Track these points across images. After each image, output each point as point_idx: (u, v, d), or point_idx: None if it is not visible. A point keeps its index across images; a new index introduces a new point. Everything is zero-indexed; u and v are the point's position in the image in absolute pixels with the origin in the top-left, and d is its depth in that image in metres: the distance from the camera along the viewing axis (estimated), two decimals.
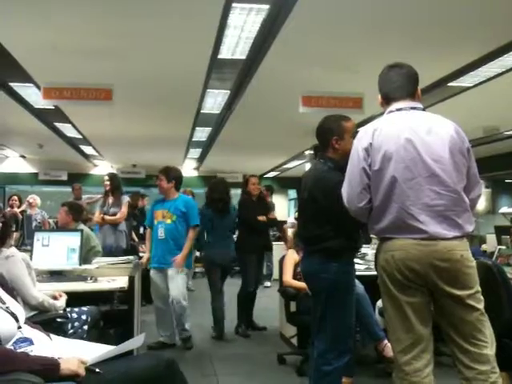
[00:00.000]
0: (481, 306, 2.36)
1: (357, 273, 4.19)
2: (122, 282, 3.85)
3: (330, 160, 2.99)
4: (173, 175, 4.97)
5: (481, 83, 5.50)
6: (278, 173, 16.06)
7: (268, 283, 8.88)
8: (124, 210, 6.18)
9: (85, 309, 3.26)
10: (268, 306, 6.39)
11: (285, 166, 14.46)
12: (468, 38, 4.39)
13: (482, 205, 14.53)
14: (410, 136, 2.36)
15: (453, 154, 2.36)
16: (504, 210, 11.78)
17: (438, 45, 4.55)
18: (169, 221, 4.89)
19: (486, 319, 2.37)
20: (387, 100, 2.55)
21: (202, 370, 4.36)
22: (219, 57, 5.14)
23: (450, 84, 5.56)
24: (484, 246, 6.58)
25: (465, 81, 5.43)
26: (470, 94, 5.93)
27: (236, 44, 4.82)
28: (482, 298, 2.38)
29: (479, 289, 2.38)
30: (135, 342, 2.37)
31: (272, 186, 8.13)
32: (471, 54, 4.78)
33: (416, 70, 2.57)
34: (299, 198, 3.17)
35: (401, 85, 2.51)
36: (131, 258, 4.76)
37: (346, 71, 5.18)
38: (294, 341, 4.73)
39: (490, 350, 2.34)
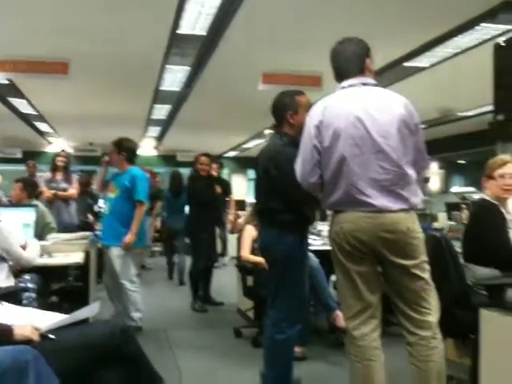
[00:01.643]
0: (426, 275, 2.46)
1: (313, 247, 4.38)
2: (77, 257, 3.83)
3: (286, 135, 3.04)
4: (124, 146, 4.64)
5: (436, 64, 5.62)
6: (237, 152, 16.08)
7: (223, 261, 8.73)
8: (76, 186, 6.13)
9: (27, 277, 3.26)
10: (226, 281, 6.49)
11: (244, 146, 14.49)
12: (424, 19, 4.48)
13: (435, 185, 14.97)
14: (360, 113, 2.42)
15: (400, 130, 2.42)
16: (455, 189, 12.23)
17: (394, 25, 4.64)
18: (112, 195, 4.61)
19: (431, 288, 2.48)
20: (339, 76, 2.61)
21: (157, 343, 4.39)
22: (179, 32, 5.08)
23: (405, 64, 5.66)
24: (436, 224, 6.81)
25: (420, 61, 5.54)
26: (426, 75, 6.06)
27: (196, 19, 4.78)
28: (427, 267, 2.48)
29: (425, 259, 2.48)
30: (89, 311, 2.39)
31: (221, 162, 8.09)
32: (427, 35, 4.88)
33: (366, 43, 2.61)
34: (255, 173, 3.21)
35: (351, 60, 2.55)
36: (87, 233, 4.71)
37: (306, 49, 5.22)
38: (251, 314, 4.82)
39: (433, 317, 2.45)
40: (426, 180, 15.02)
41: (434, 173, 15.11)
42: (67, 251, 4.00)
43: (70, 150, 12.82)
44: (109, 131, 11.62)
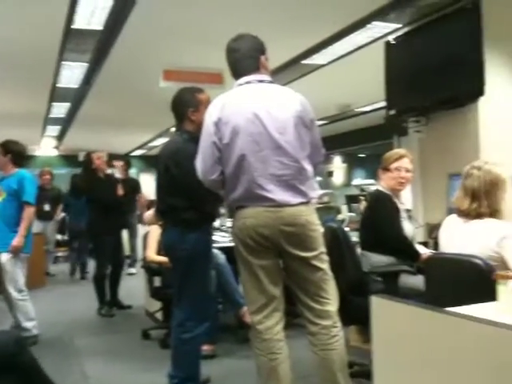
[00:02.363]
0: (324, 265, 2.54)
1: (220, 244, 4.39)
2: None
3: (186, 132, 3.03)
4: (10, 148, 4.46)
5: (333, 61, 5.79)
6: (144, 151, 15.76)
7: (133, 270, 8.18)
8: None
9: None
10: (134, 283, 6.37)
11: (151, 144, 14.22)
12: (319, 17, 4.59)
13: (339, 178, 15.54)
14: (257, 110, 2.45)
15: (297, 126, 2.48)
16: (356, 181, 12.75)
17: (292, 23, 4.72)
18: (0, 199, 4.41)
19: (330, 278, 2.57)
20: (235, 73, 2.62)
21: (62, 351, 4.24)
22: (74, 27, 4.88)
23: (303, 62, 5.79)
24: (339, 216, 7.03)
25: (317, 59, 5.68)
26: (323, 72, 6.23)
27: (92, 13, 4.61)
28: (326, 258, 2.56)
29: (323, 250, 2.56)
30: None
31: (129, 160, 7.88)
32: (323, 32, 5.01)
33: (261, 40, 2.64)
34: (156, 171, 3.17)
35: (246, 57, 2.57)
36: None
37: (207, 46, 5.19)
38: (159, 315, 4.75)
39: (332, 306, 2.54)
40: (330, 174, 15.58)
41: (338, 167, 15.68)
42: None
43: None
44: (2, 131, 11.00)
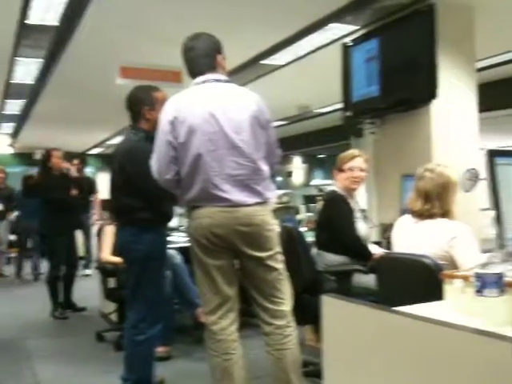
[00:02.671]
0: (280, 265, 2.55)
1: (177, 245, 4.35)
2: None
3: (142, 131, 2.98)
4: None
5: (291, 62, 5.82)
6: (102, 149, 15.50)
7: (88, 271, 7.98)
8: None
9: None
10: (89, 285, 6.25)
11: (109, 142, 13.98)
12: (277, 18, 4.61)
13: (299, 178, 15.67)
14: (213, 109, 2.44)
15: (253, 126, 2.48)
16: (315, 182, 12.91)
17: (251, 22, 4.72)
18: None
19: (285, 278, 2.57)
20: (192, 72, 2.60)
21: (14, 354, 4.14)
22: (28, 22, 4.75)
23: (262, 62, 5.80)
24: (298, 216, 7.09)
25: (277, 59, 5.70)
26: (283, 73, 6.25)
27: (47, 8, 4.50)
28: (281, 258, 2.57)
29: (279, 250, 2.57)
30: None
31: (84, 158, 7.71)
32: (282, 33, 5.02)
33: (217, 39, 2.63)
34: (111, 170, 3.11)
35: (202, 56, 2.56)
36: None
37: (165, 44, 5.14)
38: (114, 317, 4.68)
39: (287, 306, 2.55)
40: (290, 174, 15.69)
41: (298, 167, 15.80)
42: None
43: None
44: None
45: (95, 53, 5.77)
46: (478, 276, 1.40)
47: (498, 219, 1.50)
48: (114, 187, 3.05)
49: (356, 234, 3.27)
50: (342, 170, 3.44)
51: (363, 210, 3.63)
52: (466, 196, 2.74)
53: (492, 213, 1.45)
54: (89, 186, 6.95)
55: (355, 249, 3.23)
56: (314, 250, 3.40)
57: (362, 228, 3.35)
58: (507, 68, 6.56)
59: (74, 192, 5.57)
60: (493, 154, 1.56)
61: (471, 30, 4.25)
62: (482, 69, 5.87)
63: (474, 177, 2.67)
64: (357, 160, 3.43)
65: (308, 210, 6.16)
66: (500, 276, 1.39)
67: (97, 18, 4.64)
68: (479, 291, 1.40)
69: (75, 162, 6.62)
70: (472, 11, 4.25)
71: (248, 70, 5.99)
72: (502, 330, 1.32)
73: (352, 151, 3.56)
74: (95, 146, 15.06)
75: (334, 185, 3.53)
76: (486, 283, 1.39)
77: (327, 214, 3.38)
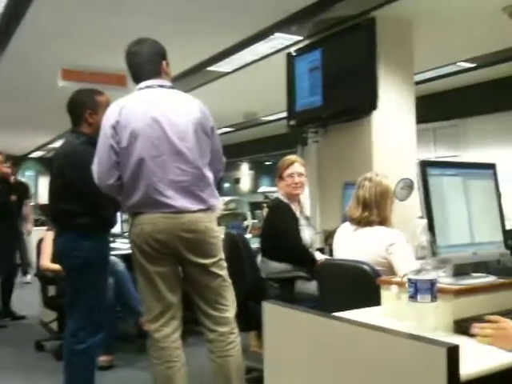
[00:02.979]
0: (223, 272, 2.56)
1: (121, 252, 4.28)
2: None
3: (83, 134, 2.92)
4: None
5: (237, 69, 5.86)
6: (43, 153, 15.06)
7: (27, 278, 7.60)
8: None
9: None
10: (28, 292, 6.06)
11: (51, 146, 13.60)
12: (224, 25, 4.64)
13: (246, 185, 15.73)
14: (157, 114, 2.43)
15: (197, 133, 2.48)
16: (262, 189, 13.01)
17: (197, 29, 4.72)
18: None
19: (229, 284, 2.58)
20: (135, 78, 2.59)
21: None
22: None
23: (209, 68, 5.81)
24: (245, 223, 7.11)
25: (223, 66, 5.73)
26: (229, 80, 6.29)
27: None
28: (225, 265, 2.58)
29: (223, 257, 2.57)
30: None
31: (18, 161, 7.38)
32: (228, 40, 5.06)
33: (162, 45, 2.62)
34: (50, 174, 3.03)
35: (147, 62, 2.55)
36: None
37: (109, 47, 5.06)
38: (55, 326, 4.55)
39: (230, 313, 2.56)
40: (237, 181, 15.73)
41: (245, 174, 15.87)
42: None
43: None
44: None
45: (36, 55, 5.62)
46: (412, 282, 1.45)
47: (431, 228, 1.56)
48: (53, 192, 2.97)
49: (300, 242, 3.32)
50: (282, 178, 3.49)
51: (308, 218, 3.69)
52: (401, 205, 2.84)
53: (424, 221, 1.51)
54: (24, 191, 6.67)
55: (299, 256, 3.28)
56: (260, 257, 3.42)
57: (306, 235, 3.40)
58: (445, 81, 6.84)
59: (14, 197, 5.39)
60: (425, 165, 1.62)
61: (410, 43, 4.42)
62: (420, 82, 6.12)
63: (407, 186, 2.78)
64: (295, 165, 3.48)
65: (254, 217, 6.20)
66: (433, 282, 1.44)
67: (37, 20, 4.53)
68: (413, 297, 1.45)
69: (6, 164, 6.33)
70: (411, 26, 4.42)
71: (194, 77, 6.00)
72: (434, 334, 1.38)
73: (288, 157, 3.60)
74: (36, 150, 14.63)
75: (278, 192, 3.58)
76: (419, 289, 1.44)
77: (271, 222, 3.42)
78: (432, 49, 5.32)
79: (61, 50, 5.38)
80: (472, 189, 1.73)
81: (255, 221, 6.02)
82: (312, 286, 3.05)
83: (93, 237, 2.85)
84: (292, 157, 3.60)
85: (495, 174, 1.82)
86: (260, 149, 12.59)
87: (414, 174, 1.66)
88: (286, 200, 3.46)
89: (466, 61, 6.02)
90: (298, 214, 3.46)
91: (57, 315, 4.38)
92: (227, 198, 7.12)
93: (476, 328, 1.40)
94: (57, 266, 3.84)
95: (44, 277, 4.18)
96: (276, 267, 3.24)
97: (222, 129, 10.07)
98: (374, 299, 1.82)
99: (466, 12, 4.43)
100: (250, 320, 2.95)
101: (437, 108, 7.33)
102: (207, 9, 4.31)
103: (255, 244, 4.51)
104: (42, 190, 8.36)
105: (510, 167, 5.42)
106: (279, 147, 11.25)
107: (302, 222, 3.46)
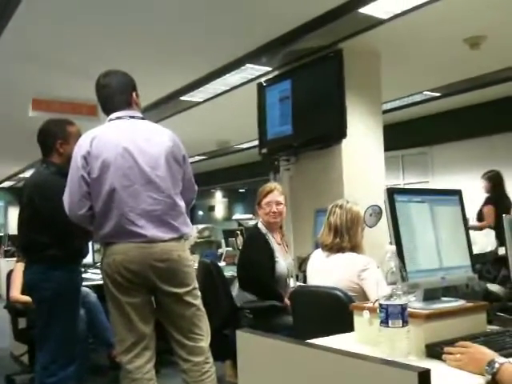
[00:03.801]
0: (197, 301, 2.55)
1: (92, 282, 4.22)
2: None
3: (54, 165, 2.91)
4: None
5: (209, 99, 5.93)
6: (14, 182, 14.82)
7: None
8: None
9: None
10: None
11: (22, 175, 13.39)
12: (196, 56, 4.70)
13: (220, 212, 15.70)
14: (128, 144, 2.44)
15: (168, 162, 2.50)
16: (236, 216, 13.01)
17: (170, 59, 4.77)
18: None
19: (203, 313, 2.57)
20: (106, 109, 2.60)
21: None
22: None
23: (181, 98, 5.87)
24: (220, 250, 7.07)
25: (195, 96, 5.79)
26: (202, 109, 6.35)
27: None
28: (198, 294, 2.57)
29: (196, 285, 2.57)
30: None
31: None
32: (200, 71, 5.12)
33: (131, 77, 2.65)
34: (20, 204, 2.99)
35: (117, 93, 2.57)
36: None
37: (80, 77, 5.07)
38: (26, 359, 4.42)
39: (205, 342, 2.54)
40: (211, 208, 15.70)
41: (219, 201, 15.86)
42: None
43: None
44: None
45: (6, 83, 5.58)
46: (383, 307, 1.47)
47: (400, 253, 1.60)
48: (22, 222, 2.94)
49: (269, 276, 3.26)
50: (260, 206, 3.48)
51: (287, 245, 3.62)
52: (372, 231, 2.88)
53: (393, 247, 1.54)
54: None
55: (266, 291, 3.24)
56: (237, 285, 3.39)
57: (282, 265, 3.34)
58: (412, 110, 7.02)
59: None
60: (392, 192, 1.66)
61: (377, 74, 4.55)
62: (388, 110, 6.27)
63: (376, 213, 2.83)
64: (273, 194, 3.45)
65: (228, 245, 6.19)
66: (403, 307, 1.46)
67: (8, 49, 4.52)
68: (384, 322, 1.46)
69: None
70: (378, 57, 4.56)
71: (167, 106, 6.04)
72: (407, 359, 1.40)
73: (268, 185, 3.57)
74: (6, 179, 14.39)
75: (258, 220, 3.55)
76: (390, 314, 1.45)
77: (246, 253, 3.40)
78: (399, 78, 5.49)
79: (32, 80, 5.36)
80: (439, 215, 1.77)
81: (229, 248, 6.01)
82: (288, 319, 3.02)
83: (63, 268, 2.82)
84: (272, 184, 3.58)
85: (461, 200, 1.87)
86: (233, 176, 12.64)
87: (383, 201, 1.70)
88: (263, 228, 3.42)
89: (431, 90, 6.21)
90: (274, 243, 3.40)
91: (28, 348, 4.28)
92: (201, 226, 7.08)
93: (446, 353, 1.43)
94: (27, 298, 3.77)
95: (14, 309, 4.08)
96: (251, 296, 3.22)
97: (195, 157, 10.10)
98: (347, 325, 1.84)
99: (431, 43, 4.59)
100: (224, 349, 2.92)
101: (405, 135, 7.51)
102: (180, 40, 4.37)
103: (229, 272, 4.50)
104: (11, 220, 8.19)
105: (476, 193, 5.57)
106: (252, 175, 11.33)
107: (278, 252, 3.37)
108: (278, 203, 3.45)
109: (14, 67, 5.05)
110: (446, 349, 1.44)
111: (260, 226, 3.46)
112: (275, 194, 3.46)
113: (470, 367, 1.35)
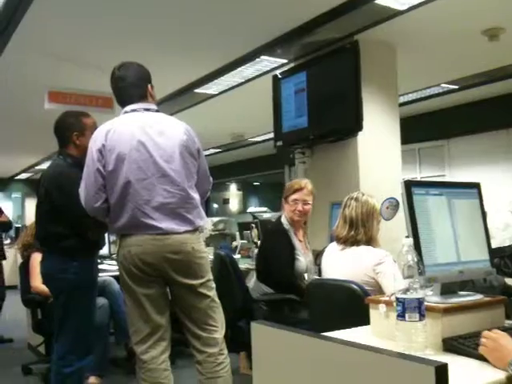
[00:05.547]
0: (212, 293, 2.56)
1: (108, 274, 4.25)
2: None
3: (70, 156, 2.94)
4: None
5: (224, 91, 5.91)
6: (31, 174, 14.96)
7: None
8: None
9: None
10: (15, 315, 5.97)
11: (38, 167, 13.51)
12: (211, 48, 4.69)
13: (234, 206, 15.72)
14: (143, 137, 2.45)
15: (183, 155, 2.50)
16: (251, 209, 13.01)
17: (184, 51, 4.77)
18: None
19: (217, 305, 2.58)
20: (121, 101, 2.61)
21: None
22: None
23: (196, 90, 5.85)
24: (234, 243, 7.07)
25: (210, 88, 5.77)
26: (216, 102, 6.33)
27: None
28: (213, 285, 2.58)
29: (211, 277, 2.58)
30: None
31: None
32: (215, 63, 5.10)
33: (147, 69, 2.65)
34: (37, 196, 3.02)
35: (132, 86, 2.57)
36: None
37: (97, 70, 5.09)
38: (43, 349, 4.48)
39: (219, 334, 2.55)
40: (226, 201, 15.72)
41: (233, 194, 15.88)
42: None
43: None
44: None
45: (22, 77, 5.62)
46: (400, 301, 1.46)
47: (417, 247, 1.58)
48: (40, 214, 2.97)
49: (289, 271, 3.22)
50: (287, 201, 3.40)
51: (309, 243, 3.57)
52: (389, 224, 2.86)
53: (411, 240, 1.53)
54: None
55: (285, 285, 3.21)
56: (254, 277, 3.38)
57: (302, 263, 3.30)
58: (429, 102, 6.95)
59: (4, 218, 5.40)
60: (409, 185, 1.65)
61: (394, 66, 4.50)
62: (405, 103, 6.21)
63: (393, 206, 2.80)
64: (302, 192, 3.36)
65: (242, 238, 6.20)
66: (420, 301, 1.45)
67: (24, 42, 4.55)
68: (401, 316, 1.45)
69: None
70: (394, 49, 4.51)
71: (182, 99, 6.03)
72: (423, 353, 1.39)
73: (297, 182, 3.48)
74: (23, 171, 14.52)
75: (283, 214, 3.48)
76: (407, 308, 1.44)
77: (266, 247, 3.37)
78: (416, 71, 5.42)
79: (48, 72, 5.39)
80: (457, 208, 1.75)
81: (244, 241, 6.01)
82: (304, 313, 3.01)
83: (80, 259, 2.84)
84: (302, 182, 3.45)
85: (480, 193, 1.84)
86: (248, 169, 12.63)
87: (399, 194, 1.68)
88: (286, 224, 3.37)
89: (449, 82, 6.13)
90: (295, 240, 3.36)
91: (44, 338, 4.33)
92: (216, 219, 7.10)
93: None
94: (46, 289, 3.79)
95: (32, 300, 4.09)
96: (266, 289, 3.22)
97: (209, 149, 10.11)
98: (362, 318, 1.83)
99: (448, 35, 4.52)
100: (239, 341, 2.94)
101: (421, 129, 7.43)
102: (195, 32, 4.36)
103: (244, 264, 4.51)
104: (28, 211, 8.25)
105: (494, 186, 5.50)
106: (267, 168, 11.31)
107: (298, 249, 3.33)
108: (305, 202, 3.37)
109: (29, 60, 5.08)
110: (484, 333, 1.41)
111: (283, 220, 3.40)
112: (304, 192, 3.38)
113: (494, 359, 1.33)
